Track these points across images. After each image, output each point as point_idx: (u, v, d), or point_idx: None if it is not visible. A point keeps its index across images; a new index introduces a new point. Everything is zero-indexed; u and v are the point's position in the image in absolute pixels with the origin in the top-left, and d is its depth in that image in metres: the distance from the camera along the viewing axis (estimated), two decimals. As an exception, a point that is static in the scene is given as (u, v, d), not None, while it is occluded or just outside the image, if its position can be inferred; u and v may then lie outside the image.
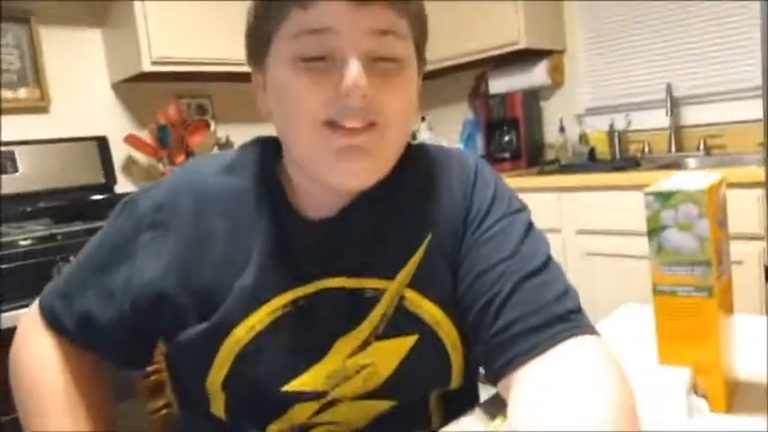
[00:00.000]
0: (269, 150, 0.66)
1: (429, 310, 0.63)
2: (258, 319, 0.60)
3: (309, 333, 0.61)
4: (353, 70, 0.53)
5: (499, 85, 2.78)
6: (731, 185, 1.62)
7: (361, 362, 0.61)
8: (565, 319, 0.55)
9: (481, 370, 0.62)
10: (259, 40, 0.59)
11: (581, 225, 2.06)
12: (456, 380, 0.65)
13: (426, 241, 0.64)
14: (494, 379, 0.58)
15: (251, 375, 0.60)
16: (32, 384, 0.67)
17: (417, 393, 0.65)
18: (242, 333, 0.60)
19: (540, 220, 2.15)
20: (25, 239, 1.55)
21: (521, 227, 0.64)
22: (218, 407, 0.62)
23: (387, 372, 0.62)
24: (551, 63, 2.63)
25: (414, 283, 0.63)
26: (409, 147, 0.66)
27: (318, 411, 0.62)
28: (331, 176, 0.58)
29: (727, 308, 0.63)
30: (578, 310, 0.57)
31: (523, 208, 0.67)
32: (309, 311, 0.61)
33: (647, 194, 0.60)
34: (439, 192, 0.66)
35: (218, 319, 0.60)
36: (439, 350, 0.63)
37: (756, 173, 1.60)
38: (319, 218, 0.63)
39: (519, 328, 0.55)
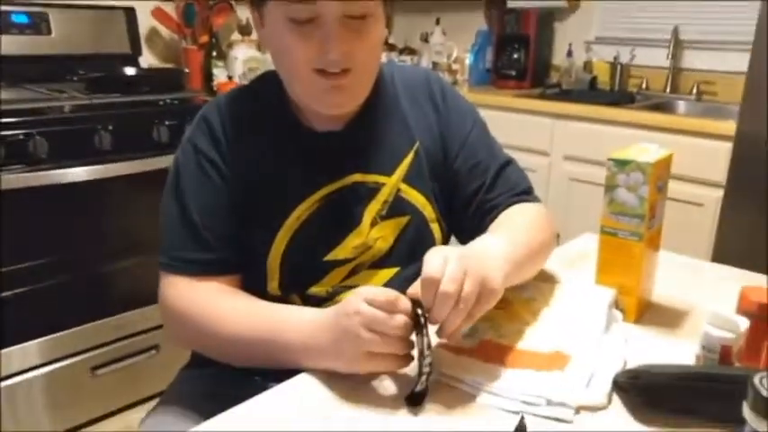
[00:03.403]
0: (275, 80, 0.85)
1: (417, 198, 0.88)
2: (303, 210, 0.83)
3: (340, 216, 0.85)
4: (333, 33, 0.74)
5: (517, -1, 2.83)
6: (709, 136, 1.82)
7: (376, 235, 0.86)
8: (525, 193, 0.91)
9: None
10: None
11: (569, 151, 2.24)
12: None
13: (415, 147, 0.88)
14: (477, 229, 0.85)
15: (302, 250, 0.83)
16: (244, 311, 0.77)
17: (411, 262, 0.88)
18: (292, 221, 0.83)
19: (532, 141, 2.38)
20: (69, 106, 1.70)
21: (486, 129, 0.95)
22: (273, 283, 0.84)
23: (390, 242, 0.87)
24: (571, -15, 2.67)
25: (406, 178, 0.87)
26: (382, 68, 0.89)
27: (346, 277, 0.86)
28: (321, 107, 0.81)
29: (654, 248, 0.84)
30: (530, 188, 0.93)
31: (478, 112, 0.96)
32: (338, 201, 0.85)
33: (609, 159, 0.78)
34: (414, 107, 0.90)
35: (273, 213, 0.83)
36: (424, 225, 0.89)
37: (731, 127, 1.77)
38: (327, 131, 0.85)
39: (501, 199, 0.89)
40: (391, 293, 0.62)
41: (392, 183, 0.87)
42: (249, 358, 0.76)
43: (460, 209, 0.91)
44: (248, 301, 0.79)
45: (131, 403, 1.91)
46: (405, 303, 0.62)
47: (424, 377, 0.61)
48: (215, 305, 0.78)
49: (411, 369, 0.65)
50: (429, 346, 0.61)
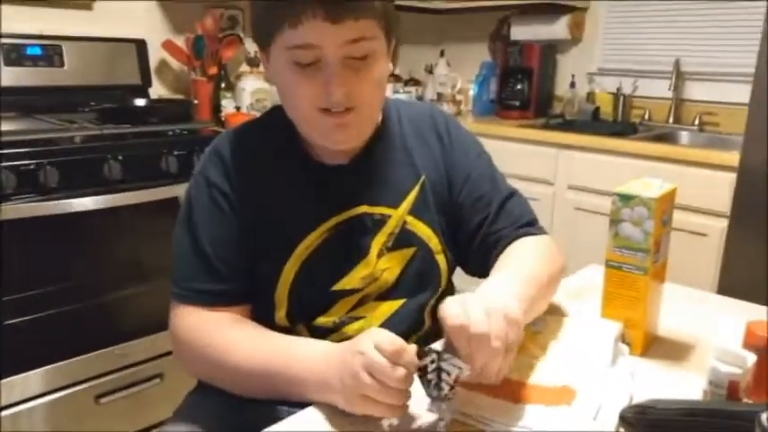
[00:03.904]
0: (286, 116, 0.86)
1: (423, 230, 0.89)
2: (311, 240, 0.85)
3: (347, 247, 0.86)
4: (334, 75, 0.75)
5: (520, 32, 2.88)
6: (712, 166, 1.83)
7: (382, 266, 0.87)
8: (529, 225, 0.92)
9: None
10: (261, 36, 0.80)
11: (573, 181, 2.25)
12: (442, 282, 0.92)
13: (421, 180, 0.90)
14: (482, 262, 0.89)
15: (310, 280, 0.84)
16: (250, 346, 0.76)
17: (417, 293, 0.90)
18: (301, 251, 0.84)
19: (536, 170, 2.40)
20: (80, 136, 1.73)
21: (490, 162, 0.96)
22: (281, 313, 0.85)
23: (397, 273, 0.88)
24: (573, 19, 2.72)
25: (412, 210, 0.89)
26: (388, 105, 0.93)
27: (352, 308, 0.86)
28: (327, 143, 0.83)
29: (660, 281, 0.85)
30: (535, 220, 0.94)
31: (482, 146, 0.98)
32: (346, 232, 0.86)
33: (614, 194, 0.79)
34: (419, 142, 0.92)
35: (282, 244, 0.84)
36: (430, 257, 0.90)
37: (734, 158, 1.78)
38: (335, 164, 0.87)
39: (505, 232, 0.89)
40: (398, 343, 0.62)
41: (398, 215, 0.88)
42: (256, 389, 0.76)
43: (465, 241, 0.92)
44: (257, 332, 0.80)
45: (135, 432, 1.90)
46: (410, 356, 0.62)
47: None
48: (225, 336, 0.79)
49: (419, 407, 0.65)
50: (446, 397, 0.61)
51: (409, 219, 0.89)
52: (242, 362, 0.75)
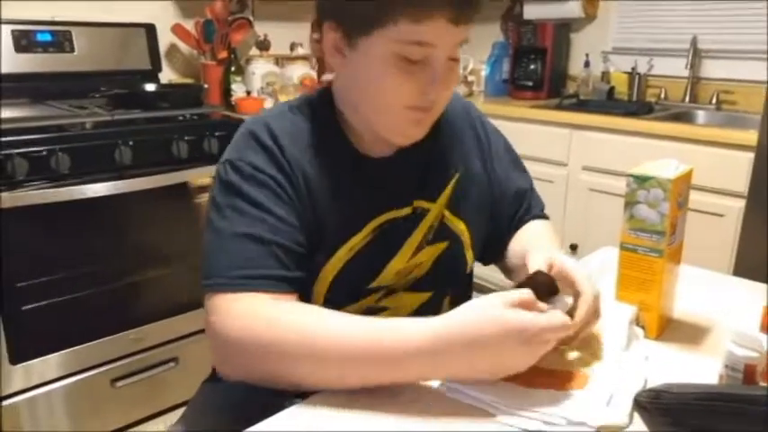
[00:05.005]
0: (324, 102, 0.84)
1: (457, 224, 0.90)
2: (357, 240, 0.81)
3: (388, 244, 0.84)
4: (440, 76, 0.74)
5: (533, 11, 2.83)
6: (729, 146, 1.80)
7: (417, 261, 0.86)
8: (542, 211, 0.99)
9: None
10: (360, 23, 0.73)
11: (587, 162, 2.22)
12: (463, 278, 0.93)
13: (458, 173, 0.90)
14: (503, 251, 0.95)
15: (349, 278, 0.81)
16: (303, 332, 0.66)
17: (444, 286, 0.90)
18: (344, 252, 0.81)
19: (549, 151, 2.38)
20: (91, 122, 1.74)
21: (515, 152, 1.00)
22: (317, 302, 0.81)
23: (429, 266, 0.87)
24: (588, -4, 2.67)
25: (449, 205, 0.88)
26: None
27: (381, 298, 0.85)
28: (397, 138, 0.81)
29: (675, 263, 0.83)
30: (543, 207, 1.00)
31: (505, 137, 1.01)
32: (390, 230, 0.83)
33: (628, 176, 0.78)
34: (456, 137, 0.92)
35: (328, 241, 0.80)
36: (460, 251, 0.90)
37: (752, 137, 1.74)
38: (379, 156, 0.84)
39: (527, 218, 0.97)
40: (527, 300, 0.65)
41: (437, 208, 0.87)
42: (363, 376, 0.66)
43: (496, 233, 0.95)
44: (353, 317, 0.69)
45: (151, 415, 1.92)
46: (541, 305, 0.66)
47: None
48: (317, 322, 0.68)
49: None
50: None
51: (446, 213, 0.89)
52: (348, 346, 0.65)
